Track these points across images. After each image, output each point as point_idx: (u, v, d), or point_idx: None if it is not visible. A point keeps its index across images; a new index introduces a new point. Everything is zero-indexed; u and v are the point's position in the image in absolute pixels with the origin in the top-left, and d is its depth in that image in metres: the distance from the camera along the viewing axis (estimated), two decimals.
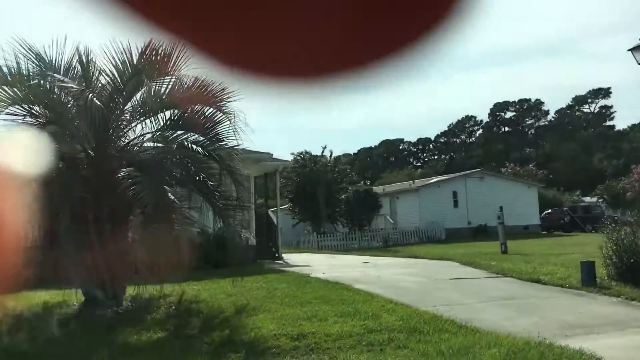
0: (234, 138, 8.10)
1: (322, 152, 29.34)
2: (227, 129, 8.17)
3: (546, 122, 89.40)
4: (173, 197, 7.00)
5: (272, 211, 18.37)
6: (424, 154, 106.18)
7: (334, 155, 30.07)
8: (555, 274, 10.52)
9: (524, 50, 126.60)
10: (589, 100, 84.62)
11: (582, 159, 73.29)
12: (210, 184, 7.76)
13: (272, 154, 15.49)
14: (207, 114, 8.10)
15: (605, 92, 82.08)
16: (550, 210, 33.12)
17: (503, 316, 7.48)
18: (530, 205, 31.43)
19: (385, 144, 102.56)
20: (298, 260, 16.50)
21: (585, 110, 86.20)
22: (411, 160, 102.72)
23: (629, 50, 10.20)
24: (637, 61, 10.16)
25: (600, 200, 37.80)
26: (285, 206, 31.81)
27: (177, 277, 9.04)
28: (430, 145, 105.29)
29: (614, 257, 9.45)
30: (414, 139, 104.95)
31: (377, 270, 13.15)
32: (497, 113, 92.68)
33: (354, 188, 28.45)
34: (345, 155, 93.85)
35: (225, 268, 11.12)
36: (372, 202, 27.89)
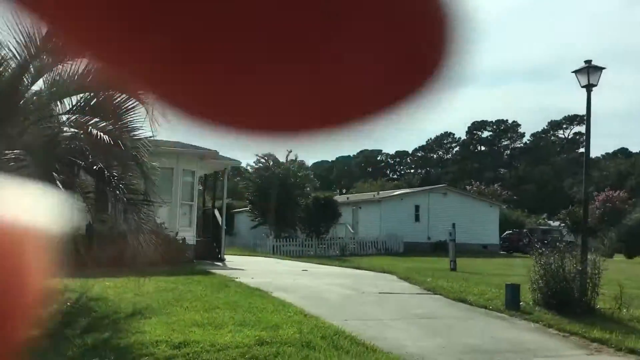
0: (150, 129, 7.63)
1: (287, 156, 28.86)
2: (142, 118, 7.70)
3: (521, 145, 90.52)
4: (60, 186, 6.48)
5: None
6: (401, 167, 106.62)
7: (299, 159, 29.56)
8: (484, 295, 10.25)
9: (505, 72, 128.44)
10: (564, 126, 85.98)
11: (553, 183, 74.27)
12: (114, 174, 7.27)
13: (218, 152, 14.97)
14: (119, 100, 7.61)
15: (580, 119, 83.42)
16: (510, 231, 33.19)
17: (410, 335, 7.14)
18: (491, 225, 31.41)
19: (364, 154, 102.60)
20: (239, 263, 16.01)
21: (560, 136, 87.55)
22: (388, 172, 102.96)
23: (572, 72, 10.03)
24: (580, 84, 10.00)
25: (562, 224, 38.07)
26: (246, 208, 31.25)
27: (85, 273, 8.52)
28: (408, 159, 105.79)
29: (540, 282, 9.21)
30: (392, 151, 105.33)
31: (312, 279, 12.74)
32: (474, 132, 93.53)
33: (314, 194, 28.05)
34: (323, 162, 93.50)
35: (156, 267, 10.61)
36: (331, 210, 27.52)
